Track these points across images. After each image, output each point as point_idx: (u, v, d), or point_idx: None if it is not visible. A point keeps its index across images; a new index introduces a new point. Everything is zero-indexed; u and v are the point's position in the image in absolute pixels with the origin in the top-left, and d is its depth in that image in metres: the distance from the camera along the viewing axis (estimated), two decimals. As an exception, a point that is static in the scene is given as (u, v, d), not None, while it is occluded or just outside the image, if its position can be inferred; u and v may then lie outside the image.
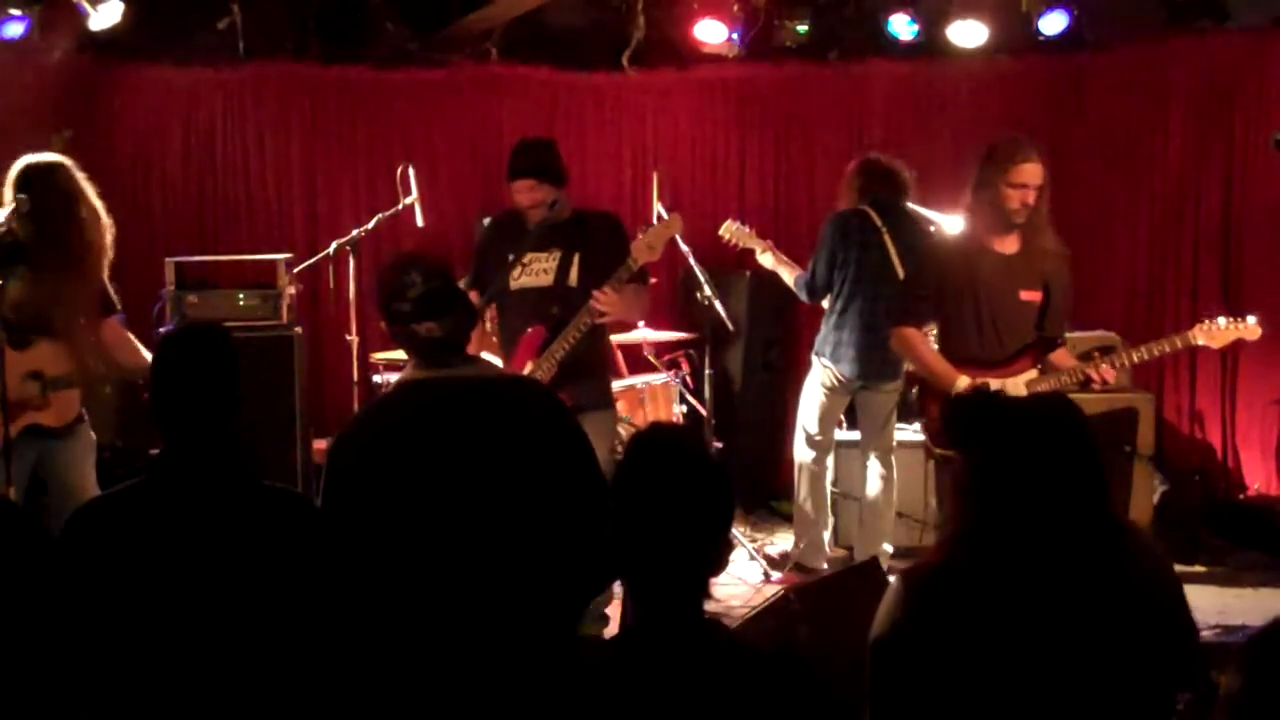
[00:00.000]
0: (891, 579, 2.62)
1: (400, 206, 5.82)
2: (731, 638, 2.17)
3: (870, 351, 5.59)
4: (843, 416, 6.00)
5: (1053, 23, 6.79)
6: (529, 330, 4.60)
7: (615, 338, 6.01)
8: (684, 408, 6.39)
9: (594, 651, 2.34)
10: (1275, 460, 6.62)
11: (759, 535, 6.70)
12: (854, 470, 5.99)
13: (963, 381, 4.56)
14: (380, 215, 5.82)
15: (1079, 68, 7.37)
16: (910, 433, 6.06)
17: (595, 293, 4.45)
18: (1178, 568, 2.81)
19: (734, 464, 6.51)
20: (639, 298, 4.72)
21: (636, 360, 6.58)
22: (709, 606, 2.86)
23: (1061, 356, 4.74)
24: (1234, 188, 6.80)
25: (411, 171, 5.84)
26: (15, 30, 5.99)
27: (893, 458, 5.79)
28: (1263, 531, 6.22)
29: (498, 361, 4.51)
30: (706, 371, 6.20)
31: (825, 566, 5.81)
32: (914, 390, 5.18)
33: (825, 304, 5.83)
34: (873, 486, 5.78)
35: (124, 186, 6.89)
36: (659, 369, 6.44)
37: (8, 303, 4.21)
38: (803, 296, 5.90)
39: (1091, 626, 2.30)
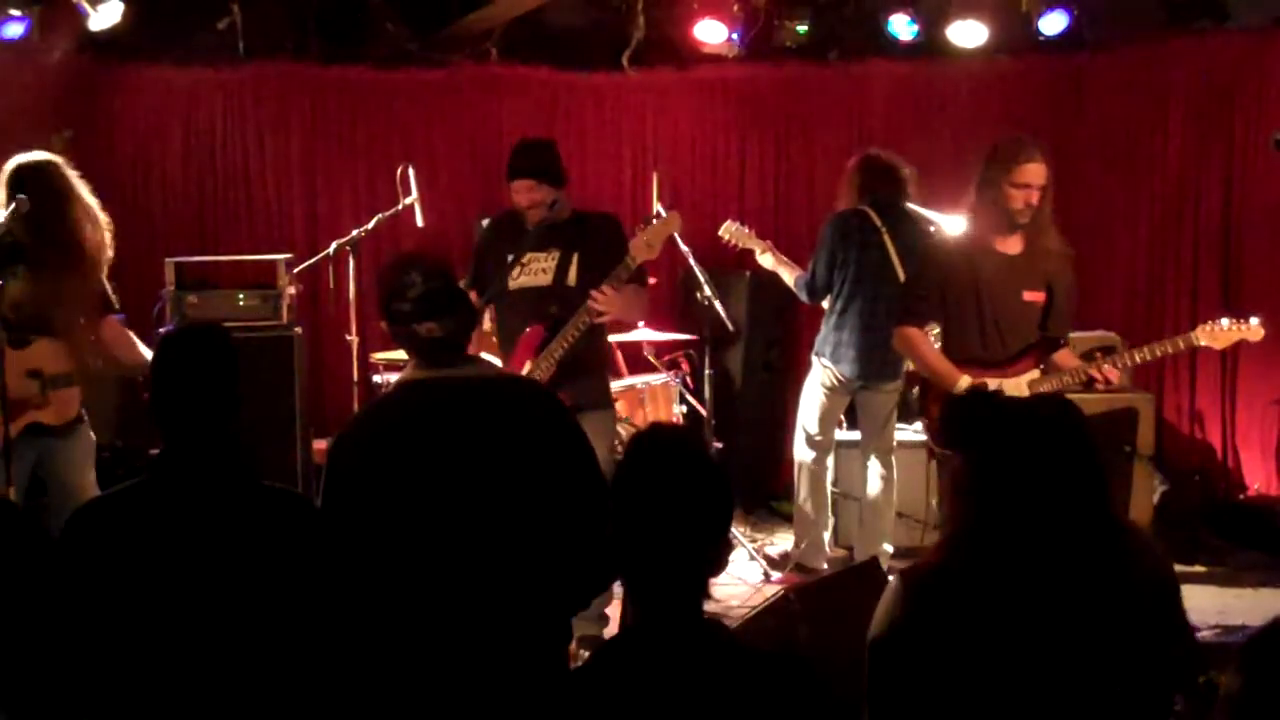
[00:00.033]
0: (891, 579, 2.62)
1: (400, 207, 5.81)
2: (731, 638, 2.17)
3: (870, 351, 5.59)
4: (843, 416, 6.00)
5: (1053, 23, 6.79)
6: (527, 330, 4.60)
7: (615, 338, 6.01)
8: (684, 408, 6.39)
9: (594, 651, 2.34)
10: (1275, 460, 6.62)
11: (759, 535, 6.70)
12: (854, 470, 5.99)
13: (964, 381, 4.55)
14: (380, 215, 5.81)
15: (1079, 68, 7.38)
16: (910, 433, 6.06)
17: (593, 292, 4.45)
18: (1178, 568, 2.80)
19: (734, 464, 6.51)
20: (638, 297, 4.71)
21: (636, 360, 6.58)
22: (709, 606, 2.86)
23: (1065, 357, 4.73)
24: (1234, 188, 6.80)
25: (411, 172, 5.83)
26: (15, 30, 5.99)
27: (893, 458, 5.79)
28: (1263, 531, 6.22)
29: (498, 361, 4.51)
30: (706, 372, 6.20)
31: (825, 566, 5.81)
32: (915, 390, 5.17)
33: (825, 304, 5.84)
34: (873, 487, 5.78)
35: (124, 187, 6.92)
36: (659, 369, 6.44)
37: (7, 302, 4.22)
38: (803, 297, 5.89)
39: (1091, 627, 2.30)
